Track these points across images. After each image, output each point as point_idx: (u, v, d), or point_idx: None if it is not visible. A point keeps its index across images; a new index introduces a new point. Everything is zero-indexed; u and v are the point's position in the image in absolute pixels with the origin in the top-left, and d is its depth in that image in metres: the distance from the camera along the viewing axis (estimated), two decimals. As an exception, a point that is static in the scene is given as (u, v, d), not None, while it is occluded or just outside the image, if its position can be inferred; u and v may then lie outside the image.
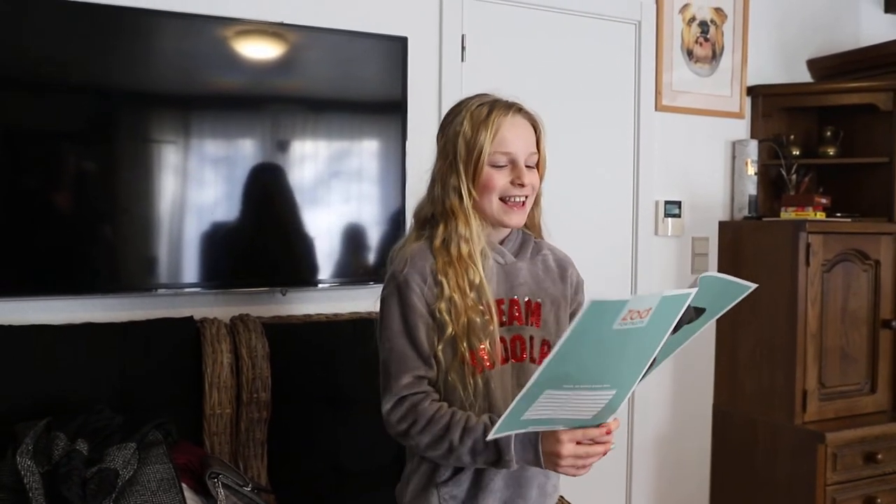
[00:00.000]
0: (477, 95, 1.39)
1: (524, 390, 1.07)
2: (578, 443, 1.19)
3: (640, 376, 1.14)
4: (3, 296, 2.07)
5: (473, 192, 1.33)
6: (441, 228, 1.35)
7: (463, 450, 1.25)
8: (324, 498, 2.15)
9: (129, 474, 1.65)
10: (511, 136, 1.33)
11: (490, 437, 1.14)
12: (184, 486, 1.71)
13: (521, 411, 1.11)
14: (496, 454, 1.24)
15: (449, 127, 1.37)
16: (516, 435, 1.22)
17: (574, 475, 1.23)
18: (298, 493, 2.12)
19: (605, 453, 1.22)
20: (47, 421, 1.76)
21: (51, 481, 1.54)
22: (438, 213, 1.36)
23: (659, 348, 1.11)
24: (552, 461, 1.21)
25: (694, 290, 1.05)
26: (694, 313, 1.17)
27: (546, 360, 1.03)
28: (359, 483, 2.16)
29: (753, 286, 1.17)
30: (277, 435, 2.17)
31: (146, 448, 1.76)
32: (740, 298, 1.20)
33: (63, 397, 1.92)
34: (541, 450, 1.21)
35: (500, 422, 1.11)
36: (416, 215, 1.43)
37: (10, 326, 2.02)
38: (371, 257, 2.46)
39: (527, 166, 1.36)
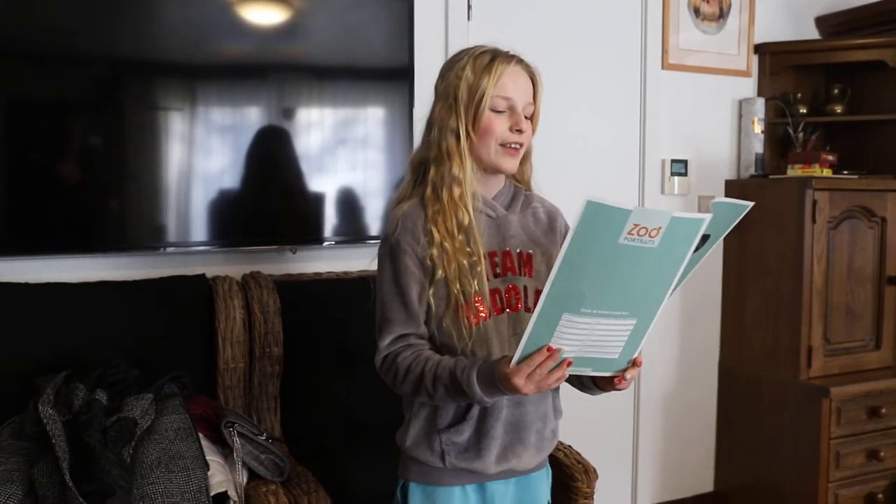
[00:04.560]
0: (476, 46, 1.41)
1: (538, 307, 1.07)
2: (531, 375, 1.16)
3: (660, 309, 1.13)
4: (18, 255, 2.12)
5: (472, 134, 1.36)
6: (432, 172, 1.37)
7: (438, 395, 1.28)
8: (335, 451, 2.19)
9: (147, 423, 1.70)
10: (511, 84, 1.36)
11: (512, 365, 1.15)
12: (200, 435, 1.76)
13: (541, 337, 1.11)
14: (468, 397, 1.26)
15: (449, 72, 1.39)
16: (480, 380, 1.22)
17: (549, 389, 1.22)
18: (311, 445, 2.17)
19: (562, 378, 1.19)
20: (66, 373, 1.81)
21: (72, 429, 1.59)
22: (432, 157, 1.38)
23: (677, 279, 1.11)
24: (519, 394, 1.20)
25: (708, 217, 1.05)
26: (701, 241, 1.17)
27: (554, 269, 1.04)
28: (370, 436, 2.19)
29: (751, 204, 1.18)
30: (290, 389, 2.22)
31: (163, 399, 1.81)
32: (739, 219, 1.20)
33: (80, 353, 1.97)
34: (505, 391, 1.21)
35: (520, 348, 1.12)
36: (412, 162, 1.45)
37: (27, 284, 2.06)
38: (378, 220, 2.49)
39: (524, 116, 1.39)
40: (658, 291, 1.12)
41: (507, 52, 1.39)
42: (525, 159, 1.49)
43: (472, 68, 1.36)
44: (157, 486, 1.59)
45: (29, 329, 1.98)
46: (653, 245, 1.03)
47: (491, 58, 1.36)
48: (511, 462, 1.39)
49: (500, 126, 1.37)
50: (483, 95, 1.34)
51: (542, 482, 1.51)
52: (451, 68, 1.39)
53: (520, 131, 1.37)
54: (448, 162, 1.36)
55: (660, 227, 1.02)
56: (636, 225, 1.01)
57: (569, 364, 1.15)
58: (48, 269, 2.15)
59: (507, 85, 1.36)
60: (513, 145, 1.38)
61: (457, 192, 1.35)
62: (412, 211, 1.38)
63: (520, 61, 1.39)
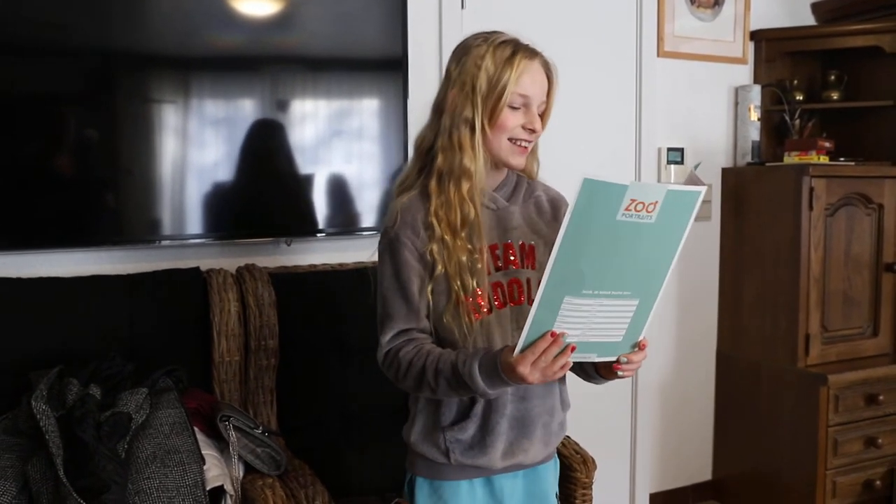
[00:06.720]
0: (495, 32, 1.38)
1: (539, 292, 1.06)
2: (535, 362, 1.14)
3: (662, 288, 1.12)
4: (11, 249, 2.10)
5: (487, 128, 1.33)
6: (440, 160, 1.34)
7: (440, 390, 1.27)
8: (333, 443, 2.19)
9: (142, 418, 1.69)
10: (530, 82, 1.35)
11: (515, 353, 1.13)
12: (195, 429, 1.75)
13: (544, 323, 1.10)
14: (470, 391, 1.24)
15: (466, 58, 1.35)
16: (482, 371, 1.20)
17: (555, 377, 1.19)
18: (308, 438, 2.15)
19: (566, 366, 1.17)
20: (59, 368, 1.79)
21: (66, 424, 1.58)
22: (441, 145, 1.35)
23: (676, 256, 1.11)
24: (524, 383, 1.19)
25: (703, 188, 1.06)
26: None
27: (554, 251, 1.03)
28: (367, 428, 2.19)
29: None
30: (286, 382, 2.20)
31: (158, 394, 1.80)
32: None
33: (74, 348, 1.95)
34: (509, 381, 1.20)
35: (523, 335, 1.11)
36: (418, 146, 1.42)
37: (20, 279, 2.04)
38: (373, 212, 2.47)
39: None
40: (659, 269, 1.12)
41: (528, 46, 1.37)
42: (532, 154, 1.47)
43: (492, 59, 1.32)
44: (153, 480, 1.58)
45: (22, 324, 1.96)
46: (650, 220, 1.04)
47: (512, 51, 1.33)
48: (518, 457, 1.39)
49: (513, 122, 1.34)
50: (504, 90, 1.32)
51: (550, 474, 1.50)
52: (469, 54, 1.35)
53: (532, 130, 1.35)
54: (459, 153, 1.33)
55: (656, 202, 1.02)
56: (633, 200, 1.01)
57: (573, 349, 1.13)
58: (41, 263, 2.14)
59: (527, 82, 1.34)
60: (522, 143, 1.36)
61: (465, 185, 1.32)
62: (412, 203, 1.36)
63: (540, 58, 1.37)
